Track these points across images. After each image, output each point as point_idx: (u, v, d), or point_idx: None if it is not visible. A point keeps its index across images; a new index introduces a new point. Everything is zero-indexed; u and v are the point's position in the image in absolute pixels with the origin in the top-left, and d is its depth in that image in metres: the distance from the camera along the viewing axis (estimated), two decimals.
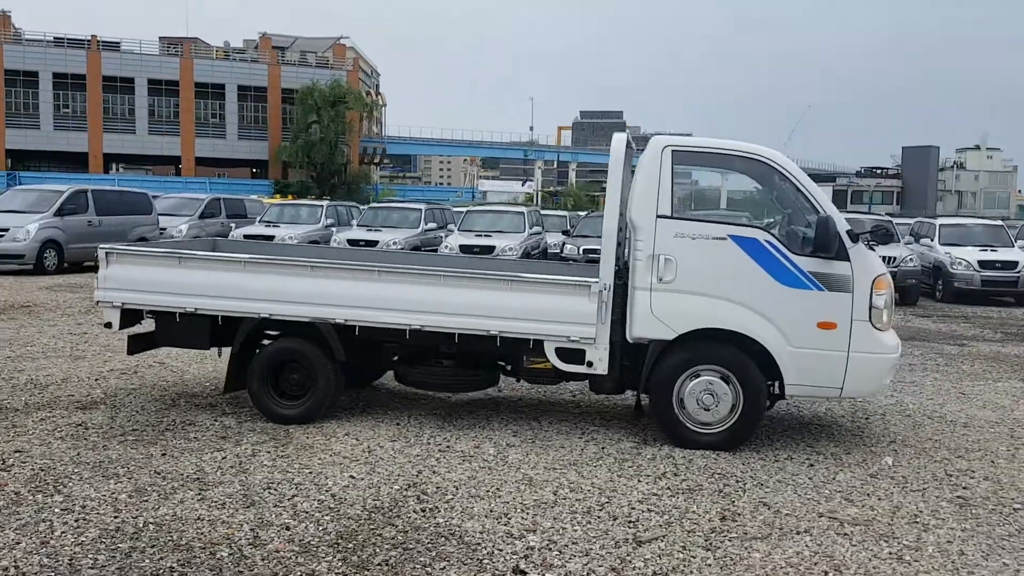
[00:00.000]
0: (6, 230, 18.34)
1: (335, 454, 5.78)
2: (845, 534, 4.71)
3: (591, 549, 4.31)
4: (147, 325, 6.89)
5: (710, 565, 4.23)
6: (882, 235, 6.30)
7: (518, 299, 6.20)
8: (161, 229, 22.03)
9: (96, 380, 7.84)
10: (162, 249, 6.70)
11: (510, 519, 4.68)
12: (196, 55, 68.40)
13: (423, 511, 4.76)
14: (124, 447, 5.79)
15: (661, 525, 4.72)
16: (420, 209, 21.48)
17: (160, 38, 75.36)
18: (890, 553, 4.49)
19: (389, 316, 6.30)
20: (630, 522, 4.76)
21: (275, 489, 5.05)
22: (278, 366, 6.54)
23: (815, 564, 4.29)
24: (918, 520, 4.99)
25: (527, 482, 5.34)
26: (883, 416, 7.54)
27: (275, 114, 68.15)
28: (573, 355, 6.21)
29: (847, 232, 6.02)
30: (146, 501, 4.78)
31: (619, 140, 6.42)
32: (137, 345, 6.86)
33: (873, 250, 6.27)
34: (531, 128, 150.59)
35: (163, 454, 5.67)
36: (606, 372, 6.20)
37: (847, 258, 6.03)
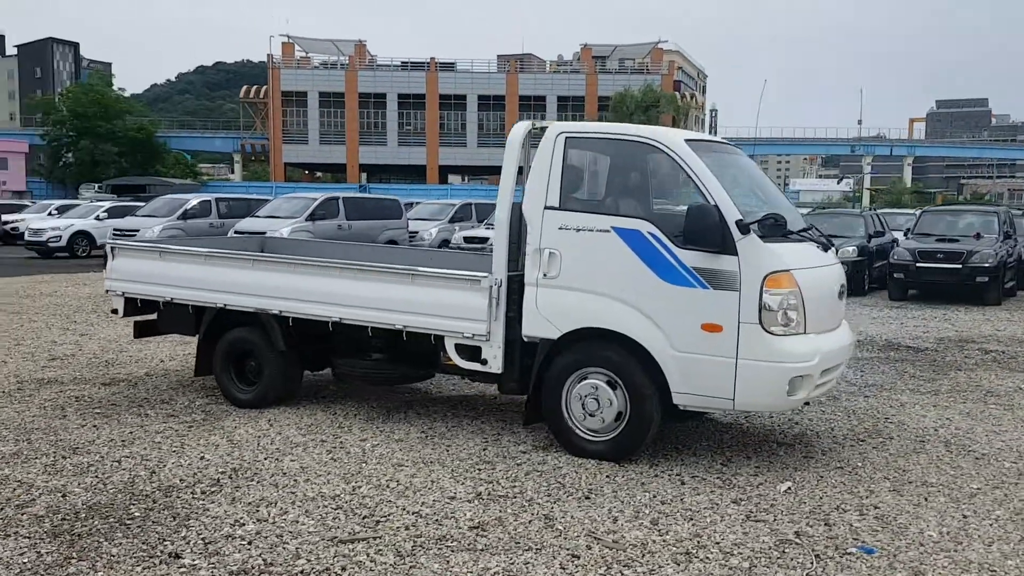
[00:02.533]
0: (263, 232, 20.97)
1: (225, 433, 6.20)
2: (578, 556, 4.28)
3: (302, 547, 4.30)
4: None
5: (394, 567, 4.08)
6: (770, 226, 5.45)
7: (418, 293, 6.23)
8: (412, 233, 23.85)
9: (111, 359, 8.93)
10: (147, 244, 7.56)
11: (271, 509, 4.78)
12: (520, 71, 72.19)
13: (203, 493, 5.02)
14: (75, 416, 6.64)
15: (399, 529, 4.59)
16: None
17: (498, 56, 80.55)
18: None
19: (314, 308, 6.61)
20: (370, 517, 4.68)
21: (112, 460, 5.57)
22: (238, 353, 7.10)
23: None
24: (692, 551, 4.38)
25: (349, 477, 5.37)
26: (872, 439, 6.52)
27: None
28: (472, 352, 6.11)
29: (736, 223, 5.35)
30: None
31: (519, 128, 6.21)
32: (142, 331, 7.78)
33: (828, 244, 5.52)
34: (859, 122, 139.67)
35: (82, 425, 6.44)
36: (500, 371, 6.02)
37: (735, 252, 5.36)
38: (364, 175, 70.58)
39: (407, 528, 4.52)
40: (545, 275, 5.82)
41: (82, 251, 25.08)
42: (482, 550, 4.25)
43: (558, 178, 5.86)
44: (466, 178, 73.97)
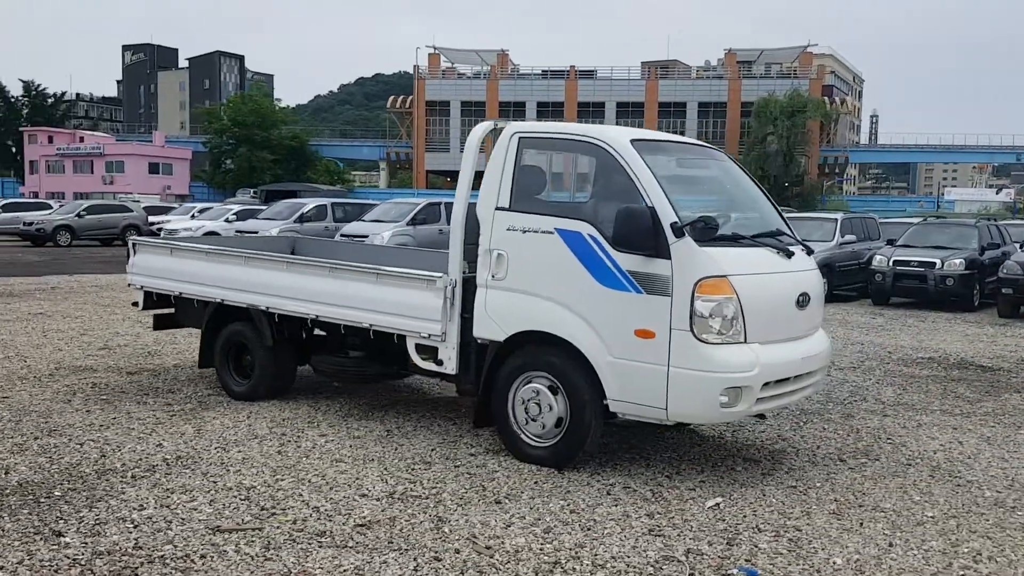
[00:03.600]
0: (366, 236, 21.62)
1: (199, 423, 6.44)
2: (440, 559, 4.23)
3: (181, 534, 4.42)
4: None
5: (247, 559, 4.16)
6: (700, 229, 5.16)
7: (383, 293, 6.30)
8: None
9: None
10: (160, 242, 7.95)
11: (181, 497, 4.94)
12: (660, 77, 71.40)
13: (132, 477, 5.24)
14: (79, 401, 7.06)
15: (287, 522, 4.65)
16: (835, 219, 18.53)
17: (642, 63, 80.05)
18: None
19: (295, 305, 6.79)
20: (268, 510, 4.77)
21: (76, 443, 5.87)
22: (235, 347, 7.37)
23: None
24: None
25: (279, 471, 5.48)
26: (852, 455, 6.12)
27: (733, 128, 68.53)
28: (431, 352, 6.13)
29: (671, 225, 5.15)
30: None
31: (478, 128, 6.18)
32: (161, 323, 8.18)
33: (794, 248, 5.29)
34: None
35: (75, 409, 6.83)
36: (455, 372, 6.01)
37: (668, 256, 5.16)
38: None
39: (295, 522, 4.57)
40: (493, 276, 5.77)
41: None
42: (349, 547, 4.26)
43: (510, 178, 5.80)
44: None
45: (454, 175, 76.22)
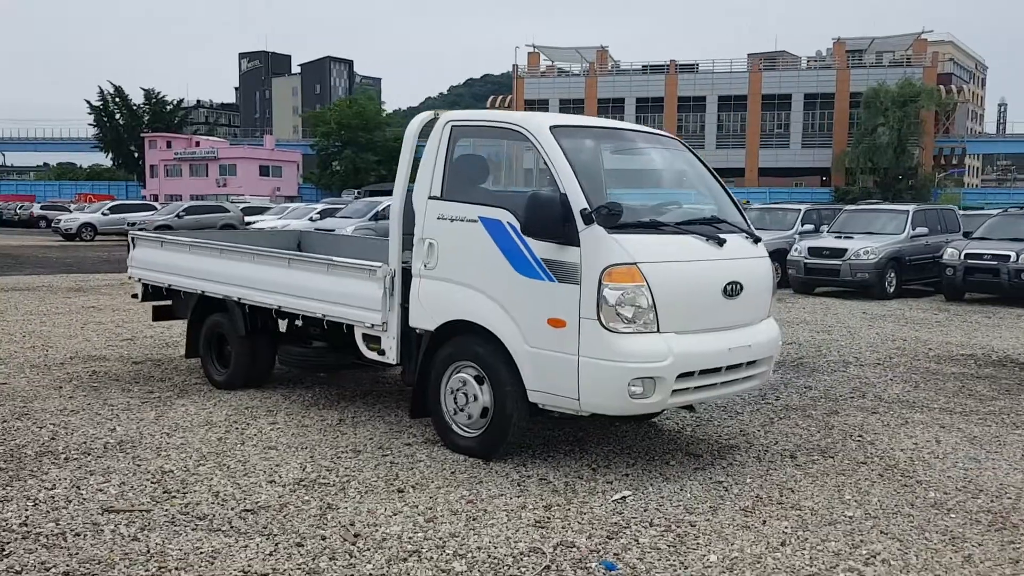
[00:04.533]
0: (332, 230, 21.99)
1: (164, 409, 6.63)
2: (302, 545, 4.24)
3: (71, 513, 4.59)
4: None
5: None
6: (605, 215, 4.98)
7: (332, 283, 6.37)
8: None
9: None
10: (152, 235, 8.23)
11: (97, 479, 5.10)
12: (764, 69, 69.65)
13: (65, 459, 5.45)
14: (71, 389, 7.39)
15: (179, 505, 4.75)
16: (907, 212, 17.79)
17: (748, 55, 78.28)
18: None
19: (261, 296, 6.93)
20: (168, 492, 4.88)
21: (38, 426, 6.13)
22: (217, 337, 7.58)
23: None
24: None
25: (207, 457, 5.59)
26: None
27: (841, 119, 66.34)
28: (377, 342, 6.17)
29: (581, 212, 5.03)
30: None
31: (417, 119, 6.16)
32: (159, 315, 8.47)
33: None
34: None
35: (67, 394, 7.14)
36: (396, 361, 6.03)
37: (578, 243, 5.04)
38: None
39: (186, 505, 4.67)
40: (425, 266, 5.76)
41: None
42: (219, 531, 4.32)
43: (441, 167, 5.78)
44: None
45: None
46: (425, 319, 5.76)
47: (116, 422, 6.31)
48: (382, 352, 6.07)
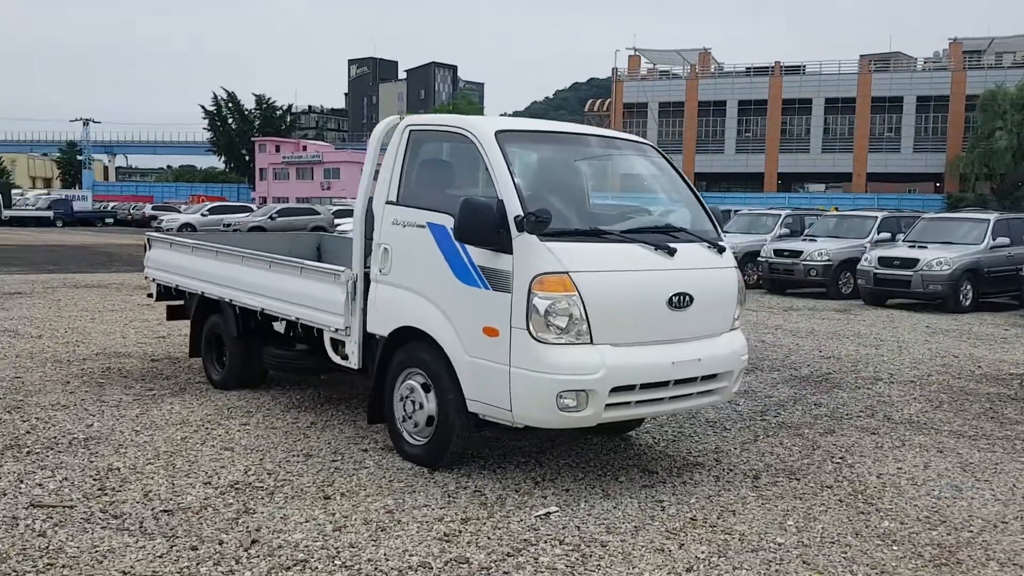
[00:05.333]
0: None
1: (151, 407, 6.79)
2: (196, 549, 4.27)
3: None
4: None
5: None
6: (532, 223, 4.81)
7: (304, 286, 6.42)
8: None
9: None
10: (164, 236, 8.45)
11: (43, 472, 5.27)
12: (874, 70, 67.21)
13: (28, 452, 5.63)
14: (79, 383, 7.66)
15: (104, 502, 4.83)
16: (988, 221, 16.92)
17: (861, 56, 75.74)
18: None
19: (248, 298, 7.04)
20: (102, 490, 4.98)
21: (20, 420, 6.36)
22: (216, 338, 7.74)
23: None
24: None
25: (159, 456, 5.69)
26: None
27: (956, 123, 63.37)
28: (342, 347, 6.19)
29: (515, 219, 4.91)
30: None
31: (382, 123, 6.14)
32: (173, 314, 8.69)
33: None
34: None
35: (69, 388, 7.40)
36: (358, 367, 6.03)
37: (511, 251, 4.93)
38: (703, 183, 69.98)
39: (112, 503, 4.74)
40: (380, 271, 5.74)
41: None
42: (123, 530, 4.36)
43: (399, 172, 5.75)
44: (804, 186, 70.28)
45: None
46: (380, 324, 5.73)
47: (97, 418, 6.49)
48: (345, 357, 6.07)
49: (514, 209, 4.91)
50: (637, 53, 73.93)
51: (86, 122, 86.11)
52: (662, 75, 73.08)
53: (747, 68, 70.69)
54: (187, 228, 36.82)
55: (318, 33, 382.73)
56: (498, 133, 5.24)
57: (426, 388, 5.42)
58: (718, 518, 4.80)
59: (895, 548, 4.46)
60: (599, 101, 77.84)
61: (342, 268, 6.03)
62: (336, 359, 6.18)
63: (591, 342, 4.87)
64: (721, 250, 5.56)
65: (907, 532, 4.69)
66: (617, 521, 4.69)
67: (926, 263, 15.60)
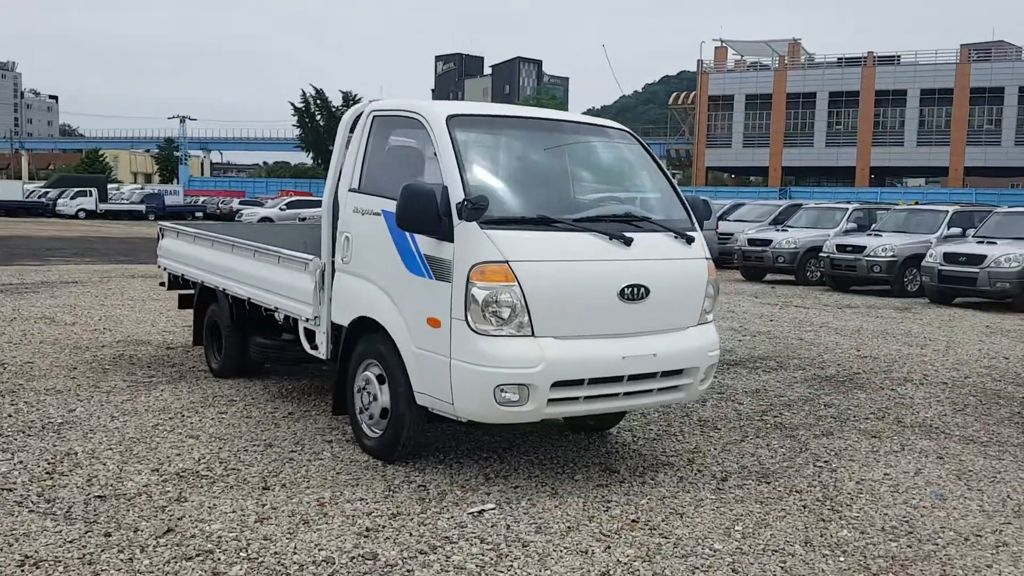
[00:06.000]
0: None
1: (139, 393, 6.85)
2: (110, 535, 4.24)
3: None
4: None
5: None
6: (469, 209, 4.61)
7: (281, 275, 6.38)
8: (724, 235, 22.90)
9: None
10: (171, 225, 8.55)
11: (1, 452, 5.38)
12: (974, 60, 64.42)
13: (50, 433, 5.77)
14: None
15: (45, 486, 4.85)
16: None
17: (961, 46, 72.79)
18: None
19: (238, 287, 7.05)
20: (49, 475, 5.01)
21: (10, 404, 6.49)
22: (215, 326, 7.78)
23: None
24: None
25: (122, 442, 5.71)
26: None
27: None
28: (314, 337, 6.13)
29: (458, 205, 4.75)
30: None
31: (350, 111, 6.03)
32: (184, 303, 8.79)
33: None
34: None
35: (77, 372, 7.54)
36: (327, 357, 5.95)
37: (452, 239, 4.77)
38: (793, 178, 68.32)
39: (51, 487, 4.75)
40: (343, 259, 5.65)
41: None
42: (47, 514, 4.36)
43: (361, 159, 5.65)
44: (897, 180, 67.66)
45: (736, 171, 74.05)
46: (341, 314, 5.65)
47: (84, 404, 6.57)
48: (315, 347, 6.00)
49: (457, 196, 4.75)
50: (724, 44, 72.51)
51: (183, 119, 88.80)
52: (750, 67, 71.45)
53: (838, 59, 68.64)
54: (265, 221, 37.68)
55: (407, 30, 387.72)
56: (450, 118, 5.08)
57: (381, 380, 5.31)
58: (662, 521, 4.55)
59: (841, 559, 4.15)
60: (683, 94, 76.58)
61: (311, 257, 5.96)
62: (308, 349, 6.11)
63: (532, 334, 4.67)
64: (689, 240, 5.28)
65: (864, 543, 4.37)
66: (552, 521, 4.49)
67: (993, 259, 14.78)
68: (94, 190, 52.99)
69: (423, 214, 4.76)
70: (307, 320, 5.99)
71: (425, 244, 4.90)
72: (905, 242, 17.15)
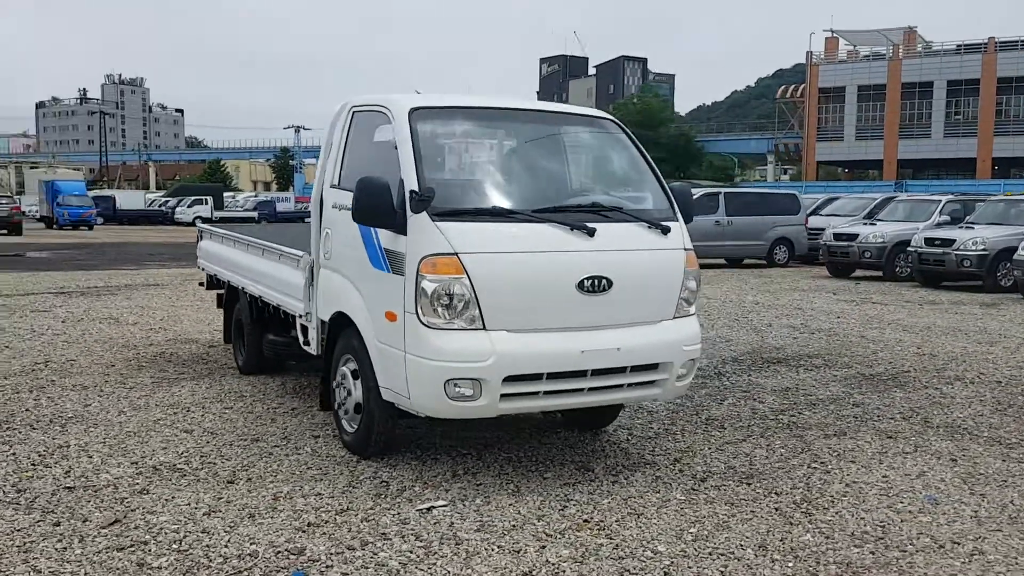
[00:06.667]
0: None
1: (156, 390, 7.05)
2: (59, 524, 4.35)
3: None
4: None
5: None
6: (416, 201, 4.51)
7: (278, 270, 6.47)
8: (814, 231, 22.12)
9: None
10: (206, 227, 8.77)
11: (2, 444, 5.61)
12: None
13: (8, 429, 6.00)
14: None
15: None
16: None
17: None
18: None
19: (254, 286, 7.18)
20: (33, 464, 5.20)
21: (44, 396, 6.76)
22: (240, 324, 7.96)
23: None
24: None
25: (108, 435, 5.88)
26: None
27: None
28: (307, 333, 6.18)
29: (411, 195, 4.70)
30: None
31: (339, 106, 6.04)
32: (221, 302, 9.00)
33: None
34: None
35: (115, 369, 7.82)
36: (316, 353, 6.00)
37: (406, 232, 4.73)
38: (910, 171, 65.57)
39: (30, 478, 4.91)
40: (324, 255, 5.68)
41: None
42: (11, 504, 4.51)
43: (340, 154, 5.66)
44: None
45: (848, 164, 71.44)
46: (324, 310, 5.68)
47: (101, 399, 6.79)
48: (307, 343, 6.05)
49: (411, 184, 4.70)
50: (835, 35, 70.15)
51: (297, 129, 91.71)
52: (863, 57, 68.86)
53: (957, 45, 65.47)
54: None
55: (513, 34, 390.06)
56: (412, 110, 5.03)
57: (355, 375, 5.30)
58: (616, 521, 4.38)
59: (790, 564, 3.91)
60: (791, 87, 74.49)
61: (301, 253, 6.01)
62: (303, 345, 6.16)
63: (484, 328, 4.58)
64: (665, 230, 5.07)
65: (824, 548, 4.10)
66: (499, 519, 4.38)
67: None
68: (210, 198, 55.25)
69: (377, 207, 4.73)
70: (300, 316, 6.03)
71: (385, 238, 4.87)
72: (999, 234, 16.16)
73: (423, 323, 4.56)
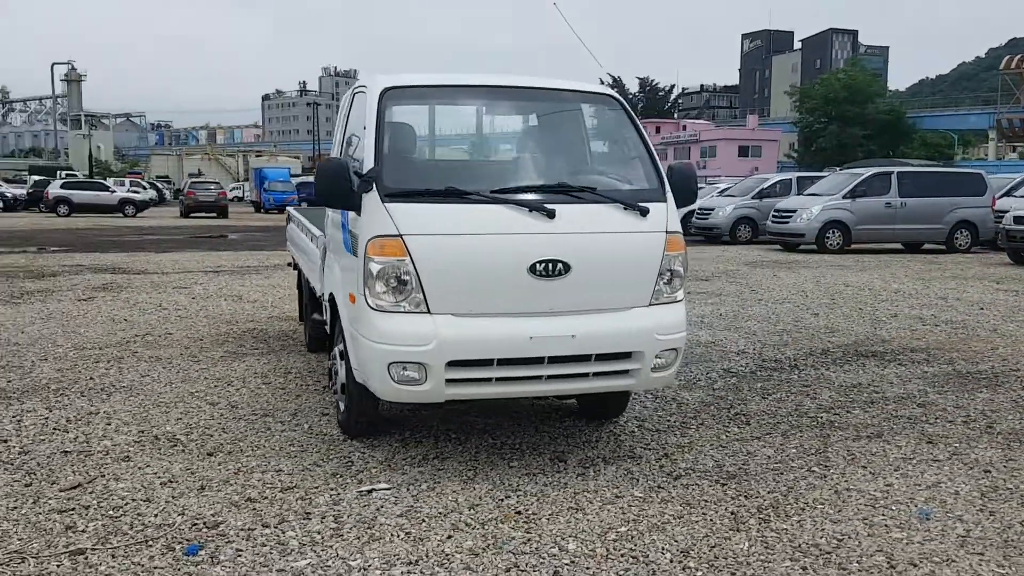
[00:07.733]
0: (793, 211, 20.35)
1: (176, 371, 7.42)
2: (39, 504, 4.66)
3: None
4: None
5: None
6: (360, 183, 4.37)
7: (310, 251, 6.67)
8: (1000, 212, 20.29)
9: None
10: (291, 210, 9.10)
11: (26, 412, 6.07)
12: None
13: (20, 398, 6.49)
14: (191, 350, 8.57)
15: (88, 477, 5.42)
16: None
17: None
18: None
19: (305, 267, 7.44)
20: (44, 430, 5.59)
21: (79, 371, 7.28)
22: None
23: None
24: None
25: (130, 403, 6.21)
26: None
27: None
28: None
29: (359, 176, 4.69)
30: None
31: (351, 90, 6.08)
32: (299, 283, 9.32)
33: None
34: None
35: (196, 354, 8.30)
36: (330, 332, 6.12)
37: (360, 212, 4.72)
38: None
39: (39, 442, 5.24)
40: (328, 237, 5.78)
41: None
42: (6, 463, 4.89)
43: (342, 137, 5.72)
44: None
45: None
46: (326, 290, 5.77)
47: (159, 372, 7.13)
48: (323, 322, 6.16)
49: (366, 168, 4.67)
50: None
51: None
52: None
53: None
54: None
55: (716, 10, 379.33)
56: (385, 90, 4.98)
57: (342, 356, 5.35)
58: (548, 516, 4.18)
59: (699, 575, 3.58)
60: (1018, 57, 68.08)
61: (319, 233, 6.13)
62: (324, 325, 6.28)
63: (428, 311, 4.48)
64: (644, 212, 4.76)
65: (752, 560, 3.74)
66: (429, 506, 4.29)
67: None
68: None
69: (334, 189, 4.72)
70: (319, 295, 6.16)
71: (351, 221, 4.87)
72: None
73: (370, 305, 4.53)
